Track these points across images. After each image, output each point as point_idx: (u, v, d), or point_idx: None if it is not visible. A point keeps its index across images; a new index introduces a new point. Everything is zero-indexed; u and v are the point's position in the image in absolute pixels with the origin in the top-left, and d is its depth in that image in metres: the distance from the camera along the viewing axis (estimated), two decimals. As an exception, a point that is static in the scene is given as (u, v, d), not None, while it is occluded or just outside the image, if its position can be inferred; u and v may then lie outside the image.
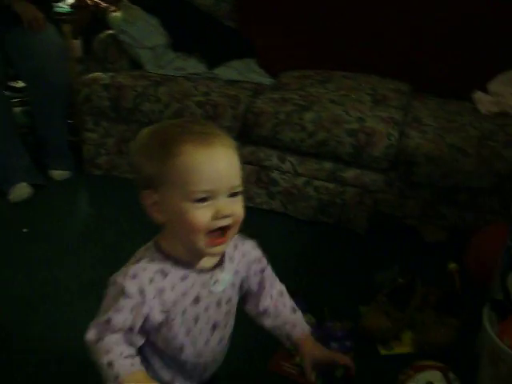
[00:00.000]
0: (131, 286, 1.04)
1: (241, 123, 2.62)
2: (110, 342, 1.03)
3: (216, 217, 1.01)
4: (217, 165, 1.01)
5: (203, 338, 1.16)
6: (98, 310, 1.07)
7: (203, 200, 1.01)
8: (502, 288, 1.73)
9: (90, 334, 1.05)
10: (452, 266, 2.35)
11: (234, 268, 1.17)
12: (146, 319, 1.06)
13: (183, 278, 1.09)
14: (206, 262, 1.11)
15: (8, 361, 1.85)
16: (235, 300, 1.20)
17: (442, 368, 1.73)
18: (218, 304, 1.15)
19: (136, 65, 2.94)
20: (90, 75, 2.83)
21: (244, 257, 1.20)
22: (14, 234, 2.51)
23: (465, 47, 2.89)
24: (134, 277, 1.05)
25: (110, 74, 2.84)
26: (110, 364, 1.01)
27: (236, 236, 1.12)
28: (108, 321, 1.03)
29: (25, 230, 2.53)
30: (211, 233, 1.03)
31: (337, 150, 2.51)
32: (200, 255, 1.09)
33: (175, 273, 1.08)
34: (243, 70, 2.89)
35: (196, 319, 1.12)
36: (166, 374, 1.17)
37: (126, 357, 1.03)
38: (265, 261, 1.25)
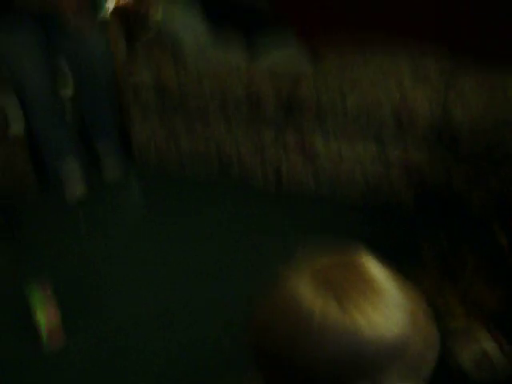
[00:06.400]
0: None
1: (283, 112, 2.66)
2: None
3: None
4: None
5: None
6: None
7: None
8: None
9: None
10: (502, 237, 2.35)
11: None
12: None
13: None
14: None
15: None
16: None
17: (497, 340, 1.75)
18: None
19: (179, 62, 3.01)
20: (136, 76, 2.92)
21: None
22: (72, 233, 2.62)
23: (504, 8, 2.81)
24: None
25: (155, 73, 2.91)
26: None
27: None
28: None
29: (83, 229, 2.64)
30: None
31: (380, 132, 2.54)
32: None
33: None
34: (284, 59, 2.92)
35: None
36: None
37: None
38: None
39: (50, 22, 2.65)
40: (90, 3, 2.86)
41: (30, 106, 2.72)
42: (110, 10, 3.39)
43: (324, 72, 2.83)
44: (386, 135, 2.55)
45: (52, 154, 2.83)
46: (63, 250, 2.51)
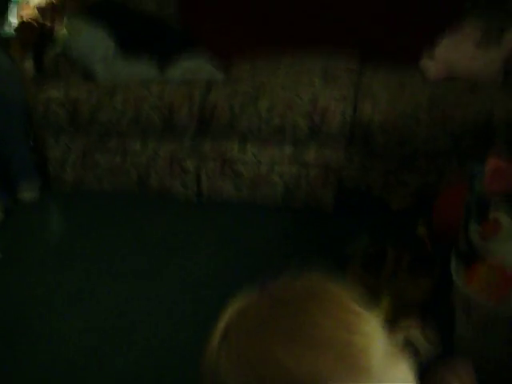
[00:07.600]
0: None
1: (197, 120, 2.66)
2: None
3: None
4: None
5: None
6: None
7: None
8: (465, 238, 1.80)
9: None
10: (420, 229, 2.42)
11: None
12: None
13: None
14: None
15: None
16: None
17: (418, 326, 1.80)
18: None
19: (89, 77, 2.96)
20: (45, 93, 2.84)
21: None
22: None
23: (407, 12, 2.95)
24: None
25: (64, 89, 2.85)
26: None
27: None
28: None
29: (0, 255, 2.54)
30: None
31: (294, 134, 2.57)
32: None
33: None
34: (194, 69, 2.92)
35: None
36: None
37: None
38: None
39: None
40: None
41: None
42: (14, 26, 3.29)
43: (235, 78, 2.85)
44: (301, 136, 2.58)
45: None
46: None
